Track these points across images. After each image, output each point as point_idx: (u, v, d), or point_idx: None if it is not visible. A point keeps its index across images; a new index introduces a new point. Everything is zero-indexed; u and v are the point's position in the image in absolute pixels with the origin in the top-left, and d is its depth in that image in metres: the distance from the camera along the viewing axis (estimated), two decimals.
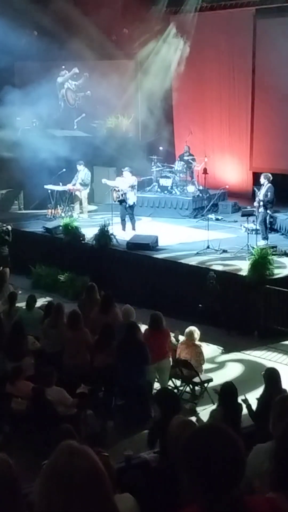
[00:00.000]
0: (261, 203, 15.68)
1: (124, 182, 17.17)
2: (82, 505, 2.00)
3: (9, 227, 16.78)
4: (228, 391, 7.63)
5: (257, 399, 7.83)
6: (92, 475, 2.05)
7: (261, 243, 15.24)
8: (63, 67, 22.35)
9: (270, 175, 16.09)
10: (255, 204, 16.06)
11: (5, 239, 16.41)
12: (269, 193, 15.64)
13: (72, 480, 2.02)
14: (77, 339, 10.03)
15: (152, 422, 6.90)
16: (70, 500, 2.00)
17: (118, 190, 17.20)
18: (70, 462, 2.05)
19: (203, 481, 2.25)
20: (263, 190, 15.78)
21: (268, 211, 15.77)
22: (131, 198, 17.21)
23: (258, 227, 15.82)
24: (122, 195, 17.11)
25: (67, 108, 23.02)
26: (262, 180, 15.92)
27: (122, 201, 17.19)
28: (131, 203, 17.27)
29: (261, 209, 15.72)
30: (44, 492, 2.05)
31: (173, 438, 4.59)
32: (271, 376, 7.81)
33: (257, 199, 15.95)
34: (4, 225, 17.13)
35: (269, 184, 15.74)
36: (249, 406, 7.70)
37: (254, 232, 15.77)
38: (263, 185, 15.86)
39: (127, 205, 17.22)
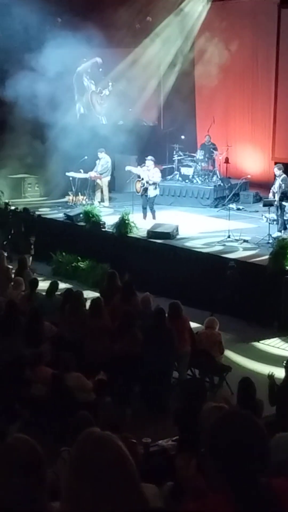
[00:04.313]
0: (276, 195, 15.65)
1: (147, 174, 17.13)
2: (110, 492, 2.00)
3: (35, 214, 16.79)
4: (245, 387, 7.25)
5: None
6: (118, 462, 2.06)
7: (276, 234, 15.16)
8: (85, 59, 21.84)
9: (282, 166, 16.05)
10: (270, 195, 16.01)
11: (33, 227, 16.39)
12: (283, 185, 15.58)
13: (99, 469, 2.02)
14: (98, 326, 10.03)
15: (175, 410, 6.83)
16: (97, 488, 2.00)
17: (142, 179, 17.19)
18: (95, 451, 2.05)
19: (230, 467, 2.26)
20: (278, 181, 15.73)
21: (283, 203, 15.70)
22: (152, 192, 17.21)
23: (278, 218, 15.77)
24: (145, 183, 17.08)
25: (86, 115, 22.04)
26: (277, 171, 15.88)
27: (145, 189, 17.19)
28: (152, 195, 17.27)
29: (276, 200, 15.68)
30: (72, 482, 2.06)
31: (203, 425, 4.54)
32: None
33: (272, 190, 15.93)
34: (31, 211, 17.10)
35: (283, 175, 15.69)
36: (272, 390, 7.61)
37: (275, 222, 15.70)
38: (278, 176, 15.80)
39: (148, 196, 17.22)
